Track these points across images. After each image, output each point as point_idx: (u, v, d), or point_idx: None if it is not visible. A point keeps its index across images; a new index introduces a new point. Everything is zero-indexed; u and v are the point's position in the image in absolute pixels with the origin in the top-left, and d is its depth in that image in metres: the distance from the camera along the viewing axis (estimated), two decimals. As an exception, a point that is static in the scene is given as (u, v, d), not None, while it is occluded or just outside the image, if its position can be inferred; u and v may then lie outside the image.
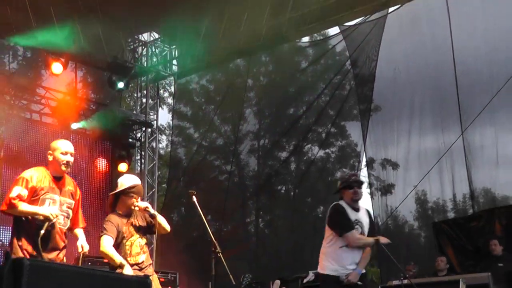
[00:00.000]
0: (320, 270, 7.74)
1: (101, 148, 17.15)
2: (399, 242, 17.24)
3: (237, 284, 9.87)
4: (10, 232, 6.97)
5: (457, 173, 14.67)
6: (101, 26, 15.38)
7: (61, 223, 6.94)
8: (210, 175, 20.53)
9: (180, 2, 14.16)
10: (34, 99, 16.23)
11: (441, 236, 14.50)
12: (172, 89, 23.38)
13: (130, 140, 18.05)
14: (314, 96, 18.30)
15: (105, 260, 7.43)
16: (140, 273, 7.20)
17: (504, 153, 14.12)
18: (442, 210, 16.56)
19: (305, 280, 11.58)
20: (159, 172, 18.74)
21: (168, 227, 7.62)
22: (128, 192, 7.45)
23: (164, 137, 26.95)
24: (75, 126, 16.19)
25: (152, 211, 7.49)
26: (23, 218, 6.75)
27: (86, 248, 7.05)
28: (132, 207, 7.43)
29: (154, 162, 18.22)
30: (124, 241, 7.32)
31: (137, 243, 7.42)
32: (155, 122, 18.71)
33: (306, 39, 17.59)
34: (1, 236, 14.13)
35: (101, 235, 7.24)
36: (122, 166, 16.90)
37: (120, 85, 16.70)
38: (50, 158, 7.01)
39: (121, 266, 7.01)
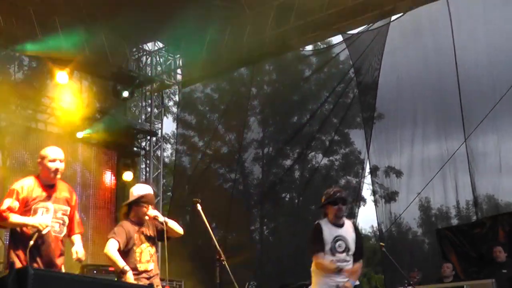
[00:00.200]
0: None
1: (107, 157, 17.19)
2: (403, 248, 17.20)
3: (241, 291, 9.82)
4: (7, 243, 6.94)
5: (460, 180, 14.64)
6: (105, 36, 15.41)
7: (57, 230, 6.85)
8: (214, 183, 20.49)
9: (184, 12, 14.13)
10: (39, 108, 16.25)
11: (444, 243, 14.43)
12: (177, 98, 23.47)
13: (135, 149, 18.10)
14: (318, 104, 18.29)
15: (111, 269, 7.42)
16: (148, 282, 7.20)
17: (507, 159, 14.08)
18: (446, 217, 16.53)
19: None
20: (164, 181, 18.73)
21: (181, 230, 7.64)
22: (139, 201, 7.49)
23: (169, 145, 26.96)
24: (80, 135, 16.17)
25: (162, 218, 7.47)
26: (18, 229, 6.70)
27: (81, 254, 6.97)
28: (144, 217, 7.48)
29: (159, 171, 18.20)
30: (135, 247, 7.34)
31: (146, 251, 7.43)
32: (160, 131, 18.70)
33: (309, 47, 17.58)
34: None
35: (109, 238, 7.28)
36: (127, 175, 16.92)
37: (125, 94, 16.74)
38: (40, 166, 6.95)
39: (123, 272, 7.00)
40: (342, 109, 17.59)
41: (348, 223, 7.64)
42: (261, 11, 15.06)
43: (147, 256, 7.41)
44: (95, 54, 15.68)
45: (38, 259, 6.63)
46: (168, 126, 35.62)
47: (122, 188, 17.37)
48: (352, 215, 17.91)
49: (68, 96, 16.27)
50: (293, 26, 14.89)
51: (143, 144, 18.31)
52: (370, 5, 14.24)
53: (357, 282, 7.68)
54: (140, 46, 17.95)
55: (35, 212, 6.72)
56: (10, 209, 6.60)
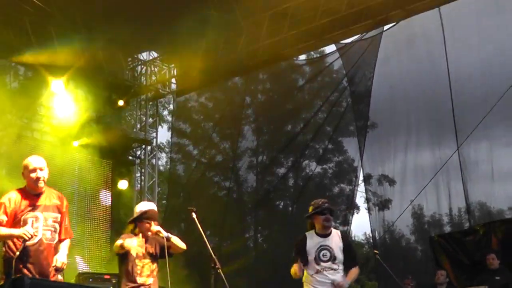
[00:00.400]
0: None
1: (102, 165, 17.09)
2: (396, 256, 17.17)
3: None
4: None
5: (453, 188, 14.65)
6: (101, 46, 15.38)
7: (49, 237, 6.82)
8: (209, 191, 20.44)
9: (179, 22, 14.12)
10: (35, 117, 16.21)
11: (438, 250, 14.38)
12: (171, 107, 23.39)
13: (130, 157, 18.11)
14: (311, 113, 18.26)
15: (106, 277, 7.47)
16: None
17: (499, 167, 14.10)
18: (438, 224, 16.52)
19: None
20: (159, 189, 18.69)
21: (183, 246, 7.65)
22: (142, 218, 7.57)
23: (164, 154, 26.89)
24: (75, 144, 16.13)
25: (165, 233, 7.48)
26: (9, 242, 6.69)
27: (59, 263, 6.84)
28: (147, 232, 7.55)
29: (154, 179, 18.17)
30: (137, 260, 7.44)
31: (147, 266, 7.52)
32: (154, 139, 18.68)
33: (303, 57, 17.61)
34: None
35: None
36: (122, 183, 16.93)
37: (120, 103, 16.71)
38: (24, 177, 6.94)
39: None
40: (335, 118, 17.59)
41: (335, 233, 7.66)
42: (255, 21, 15.07)
43: (147, 271, 7.49)
44: (91, 63, 15.64)
45: (31, 267, 6.61)
46: (163, 135, 35.44)
47: (117, 196, 17.35)
48: (346, 223, 17.89)
49: (64, 105, 16.23)
50: (286, 35, 14.92)
51: (138, 153, 18.32)
52: (363, 15, 14.27)
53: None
54: (135, 56, 17.94)
55: (25, 222, 6.69)
56: None
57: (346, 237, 7.94)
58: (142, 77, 17.96)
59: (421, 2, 13.61)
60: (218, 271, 7.02)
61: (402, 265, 16.68)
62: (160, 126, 21.24)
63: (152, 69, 17.94)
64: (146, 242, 7.58)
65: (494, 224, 13.76)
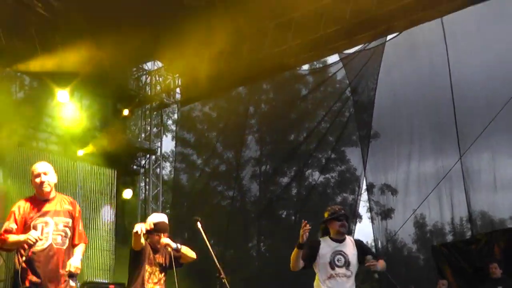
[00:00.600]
0: None
1: (106, 174, 17.06)
2: (398, 265, 17.09)
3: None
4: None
5: (456, 197, 14.55)
6: (106, 55, 15.33)
7: (59, 242, 6.80)
8: (212, 201, 20.39)
9: (183, 32, 14.06)
10: (40, 127, 16.16)
11: (440, 259, 14.36)
12: (176, 116, 23.38)
13: (135, 167, 18.09)
14: (314, 123, 18.19)
15: (111, 286, 7.49)
16: None
17: (502, 176, 14.05)
18: (441, 233, 16.45)
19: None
20: (163, 198, 18.61)
21: (194, 255, 7.74)
22: (152, 230, 7.60)
23: (168, 163, 26.81)
24: (80, 153, 16.08)
25: (174, 245, 7.52)
26: (18, 253, 6.70)
27: (72, 267, 6.79)
28: (157, 244, 7.60)
29: (158, 189, 18.07)
30: (147, 266, 7.48)
31: (156, 274, 7.56)
32: (159, 149, 18.61)
33: (306, 66, 17.51)
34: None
35: None
36: (127, 193, 16.91)
37: (125, 113, 16.67)
38: (32, 184, 6.96)
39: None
40: (338, 128, 17.52)
41: (348, 239, 7.59)
42: (259, 31, 15.03)
43: (155, 279, 7.52)
44: (96, 73, 15.62)
45: (40, 273, 6.61)
46: (167, 144, 35.46)
47: (121, 205, 17.30)
48: (349, 232, 17.72)
49: (69, 115, 16.23)
50: (290, 45, 14.85)
51: (143, 162, 18.30)
52: (366, 25, 14.19)
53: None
54: (140, 66, 17.89)
55: (35, 228, 6.68)
56: (6, 231, 6.66)
57: (360, 242, 7.78)
58: (147, 87, 17.90)
59: (423, 12, 13.51)
60: (223, 281, 6.99)
61: (404, 274, 16.59)
62: (164, 136, 21.24)
63: (157, 78, 17.88)
64: (156, 253, 7.62)
65: (496, 233, 13.75)
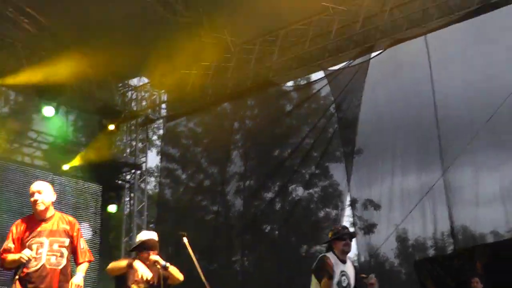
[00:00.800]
0: None
1: (92, 189, 16.97)
2: (381, 279, 16.96)
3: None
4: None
5: (439, 212, 14.49)
6: (92, 71, 15.24)
7: (53, 263, 6.75)
8: (197, 215, 20.23)
9: (169, 48, 13.98)
10: (25, 142, 16.02)
11: (423, 274, 14.33)
12: (161, 132, 23.31)
13: (120, 181, 17.95)
14: (299, 139, 18.11)
15: None
16: None
17: (483, 192, 14.02)
18: (423, 248, 16.38)
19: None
20: (147, 212, 18.48)
21: (181, 277, 7.58)
22: (141, 247, 7.52)
23: (153, 178, 26.68)
24: (66, 167, 15.92)
25: (163, 263, 7.40)
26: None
27: (74, 285, 6.77)
28: (146, 262, 7.45)
29: (143, 203, 17.95)
30: (133, 286, 7.33)
31: None
32: (144, 164, 18.49)
33: (290, 83, 17.48)
34: None
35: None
36: (112, 207, 16.92)
37: (111, 128, 16.59)
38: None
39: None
40: (322, 144, 17.44)
41: (349, 260, 7.68)
42: (245, 48, 14.97)
43: None
44: (82, 88, 15.55)
45: None
46: (153, 159, 35.40)
47: (106, 220, 17.18)
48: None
49: (54, 130, 16.17)
50: (276, 62, 14.84)
51: (128, 177, 18.14)
52: (351, 42, 14.29)
53: None
54: (126, 82, 17.80)
55: (30, 248, 6.66)
56: (5, 251, 6.67)
57: (353, 263, 7.92)
58: (133, 102, 17.84)
59: (407, 30, 13.58)
60: None
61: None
62: (149, 151, 21.19)
63: (143, 94, 17.83)
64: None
65: (478, 248, 13.71)
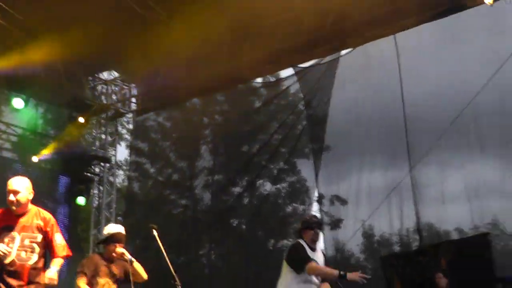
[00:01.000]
0: None
1: (60, 182, 16.82)
2: (346, 274, 16.99)
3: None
4: None
5: (405, 209, 14.54)
6: (62, 64, 15.04)
7: (23, 258, 6.64)
8: (165, 209, 20.15)
9: (140, 43, 13.85)
10: (-6, 134, 15.80)
11: (388, 269, 14.33)
12: (131, 126, 23.17)
13: (89, 174, 17.77)
14: (268, 135, 18.07)
15: None
16: None
17: (449, 190, 14.10)
18: (388, 244, 16.42)
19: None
20: (115, 206, 18.32)
21: (145, 275, 7.66)
22: (108, 240, 7.61)
23: (121, 172, 26.51)
24: (35, 160, 15.71)
25: (129, 256, 7.50)
26: None
27: (46, 279, 6.69)
28: (112, 254, 7.56)
29: (112, 196, 17.78)
30: (99, 278, 7.39)
31: (107, 285, 7.48)
32: (113, 157, 18.37)
33: (260, 79, 17.40)
34: None
35: (78, 271, 7.50)
36: (80, 200, 16.77)
37: (80, 121, 16.40)
38: None
39: None
40: (291, 140, 17.44)
41: (319, 249, 7.78)
42: (215, 43, 14.86)
43: None
44: (52, 81, 15.33)
45: (5, 286, 6.54)
46: (122, 153, 35.19)
47: (75, 212, 17.03)
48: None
49: (24, 122, 15.97)
50: (246, 58, 14.74)
51: (97, 170, 17.96)
52: (321, 40, 14.18)
53: None
54: (96, 75, 17.58)
55: (2, 241, 6.58)
56: None
57: (323, 252, 8.04)
58: (103, 96, 17.63)
59: (377, 29, 13.53)
60: (178, 287, 7.01)
61: (352, 284, 16.46)
62: (119, 145, 21.04)
63: (113, 88, 17.64)
64: (111, 263, 7.58)
65: (443, 245, 13.75)
